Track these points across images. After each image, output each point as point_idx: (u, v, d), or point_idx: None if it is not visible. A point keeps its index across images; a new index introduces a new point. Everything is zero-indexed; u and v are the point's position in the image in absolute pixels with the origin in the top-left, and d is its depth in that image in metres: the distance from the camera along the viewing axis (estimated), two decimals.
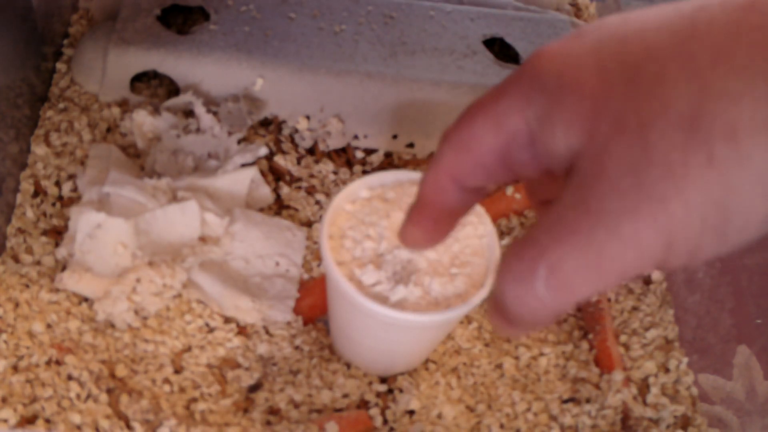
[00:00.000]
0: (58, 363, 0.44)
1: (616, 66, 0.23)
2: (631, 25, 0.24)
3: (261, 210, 0.53)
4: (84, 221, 0.46)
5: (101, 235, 0.46)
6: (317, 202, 0.54)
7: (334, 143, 0.57)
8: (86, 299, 0.47)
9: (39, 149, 0.53)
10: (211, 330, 0.47)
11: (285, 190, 0.54)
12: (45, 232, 0.50)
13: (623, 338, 0.51)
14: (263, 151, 0.54)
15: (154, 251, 0.48)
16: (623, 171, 0.22)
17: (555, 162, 0.25)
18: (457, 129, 0.28)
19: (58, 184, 0.52)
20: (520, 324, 0.26)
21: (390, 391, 0.47)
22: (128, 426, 0.42)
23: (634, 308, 0.52)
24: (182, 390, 0.45)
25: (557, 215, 0.24)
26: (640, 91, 0.22)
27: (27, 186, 0.52)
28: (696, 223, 0.22)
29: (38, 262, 0.48)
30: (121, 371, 0.44)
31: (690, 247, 0.22)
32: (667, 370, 0.49)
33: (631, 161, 0.22)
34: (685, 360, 0.50)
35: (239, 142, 0.55)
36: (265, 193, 0.53)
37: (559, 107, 0.24)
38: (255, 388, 0.46)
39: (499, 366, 0.49)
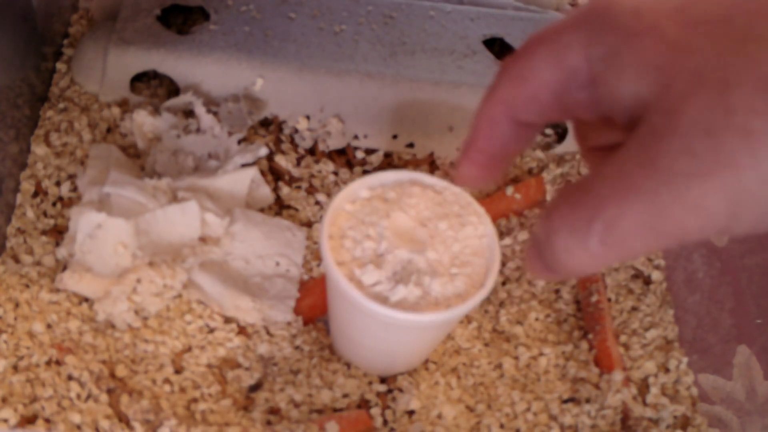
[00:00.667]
0: (59, 363, 0.44)
1: (701, 14, 0.22)
2: None
3: (261, 210, 0.53)
4: (84, 221, 0.46)
5: (102, 236, 0.46)
6: (317, 202, 0.54)
7: (334, 143, 0.57)
8: (86, 299, 0.47)
9: (39, 149, 0.53)
10: (211, 330, 0.47)
11: (285, 190, 0.54)
12: (45, 232, 0.50)
13: (623, 338, 0.51)
14: (263, 151, 0.54)
15: (155, 251, 0.48)
16: (699, 131, 0.21)
17: (616, 107, 0.24)
18: (516, 60, 0.26)
19: (58, 184, 0.52)
20: (560, 272, 0.25)
21: (390, 391, 0.47)
22: (128, 426, 0.42)
23: (634, 308, 0.52)
24: (182, 390, 0.45)
25: (620, 167, 0.23)
26: (725, 45, 0.21)
27: (27, 186, 0.52)
28: (766, 194, 0.21)
29: (38, 263, 0.48)
30: (121, 371, 0.44)
31: (755, 218, 0.22)
32: (667, 370, 0.50)
33: (708, 122, 0.21)
34: (685, 360, 0.50)
35: (239, 142, 0.55)
36: (266, 193, 0.53)
37: (632, 50, 0.23)
38: (255, 388, 0.46)
39: (499, 366, 0.49)
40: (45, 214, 0.51)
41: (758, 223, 0.22)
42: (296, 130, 0.57)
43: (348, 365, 0.47)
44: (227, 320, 0.48)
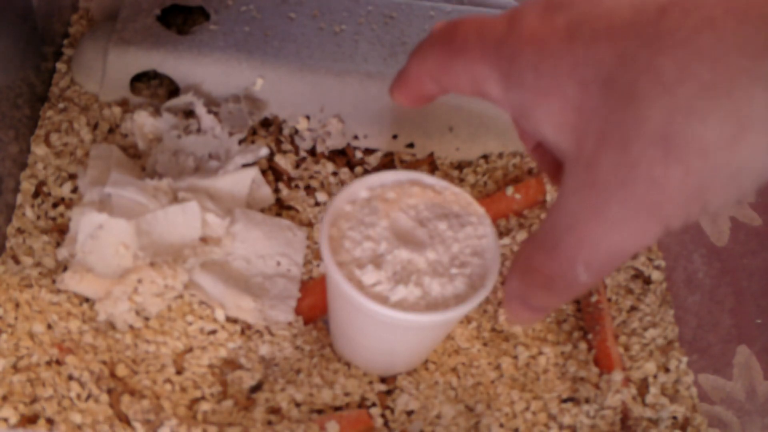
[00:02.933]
0: (59, 363, 0.44)
1: (591, 71, 0.25)
2: (602, 7, 0.26)
3: (262, 210, 0.53)
4: (85, 222, 0.46)
5: (103, 236, 0.46)
6: (317, 203, 0.54)
7: (334, 143, 0.57)
8: (87, 300, 0.47)
9: (39, 149, 0.53)
10: (212, 330, 0.47)
11: (285, 190, 0.54)
12: (45, 233, 0.50)
13: (623, 338, 0.51)
14: (264, 151, 0.54)
15: (156, 252, 0.48)
16: (616, 183, 0.25)
17: (541, 140, 0.29)
18: (445, 43, 0.31)
19: (58, 184, 0.52)
20: (557, 304, 0.30)
21: (390, 391, 0.47)
22: (129, 426, 0.42)
23: (634, 308, 0.52)
24: (183, 390, 0.45)
25: (572, 218, 0.27)
26: (616, 105, 0.25)
27: (27, 186, 0.52)
28: (684, 212, 0.25)
29: (38, 263, 0.48)
30: (121, 371, 0.44)
31: (682, 223, 0.26)
32: (666, 370, 0.50)
33: (620, 174, 0.25)
34: (685, 360, 0.50)
35: (240, 142, 0.55)
36: (266, 193, 0.53)
37: (543, 109, 0.27)
38: (256, 388, 0.46)
39: (498, 366, 0.49)
40: (45, 215, 0.51)
41: (686, 224, 0.26)
42: (296, 131, 0.57)
43: (348, 365, 0.47)
44: (229, 320, 0.48)
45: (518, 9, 0.28)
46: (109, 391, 0.43)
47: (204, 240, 0.49)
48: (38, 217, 0.51)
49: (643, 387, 0.49)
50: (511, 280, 0.31)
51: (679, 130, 0.23)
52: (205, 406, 0.44)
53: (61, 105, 0.56)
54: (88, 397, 0.43)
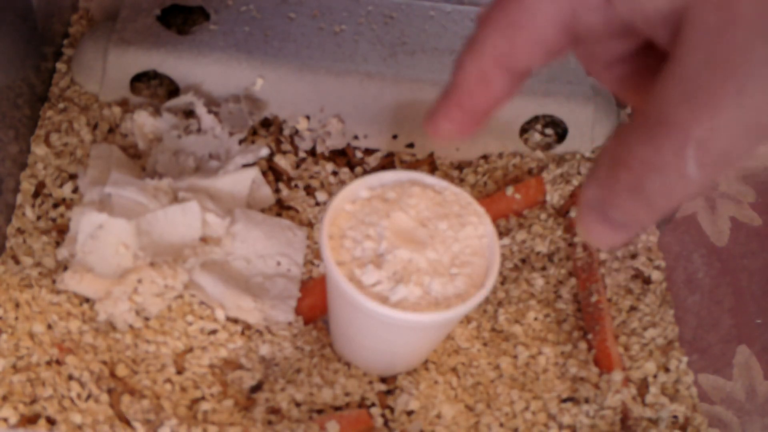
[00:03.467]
0: (59, 363, 0.44)
1: None
2: None
3: (262, 210, 0.53)
4: (85, 222, 0.46)
5: (103, 236, 0.46)
6: (317, 203, 0.54)
7: (334, 143, 0.57)
8: (87, 300, 0.47)
9: (39, 149, 0.53)
10: (213, 330, 0.47)
11: (285, 190, 0.54)
12: (45, 233, 0.50)
13: (623, 338, 0.51)
14: (264, 151, 0.54)
15: (156, 252, 0.48)
16: (764, 11, 0.19)
17: (645, 16, 0.22)
18: (501, 6, 0.24)
19: (58, 184, 0.52)
20: (659, 212, 0.23)
21: (390, 390, 0.47)
22: (129, 426, 0.42)
23: (634, 308, 0.52)
24: (184, 390, 0.45)
25: (686, 82, 0.20)
26: None
27: (27, 186, 0.52)
28: None
29: (38, 263, 0.48)
30: (122, 371, 0.44)
31: None
32: (667, 370, 0.50)
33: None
34: (685, 360, 0.50)
35: (240, 142, 0.55)
36: (266, 193, 0.53)
37: None
38: (256, 388, 0.46)
39: (498, 365, 0.49)
40: (45, 215, 0.51)
41: None
42: (296, 131, 0.57)
43: (348, 365, 0.47)
44: (229, 321, 0.48)
45: None
46: (110, 391, 0.43)
47: (204, 240, 0.49)
48: (38, 218, 0.51)
49: (643, 387, 0.49)
50: (590, 184, 0.23)
51: None
52: (205, 406, 0.44)
53: (61, 105, 0.56)
54: (89, 397, 0.43)
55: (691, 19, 0.20)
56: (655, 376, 0.49)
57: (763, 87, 0.19)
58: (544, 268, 0.54)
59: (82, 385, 0.43)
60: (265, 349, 0.47)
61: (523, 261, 0.54)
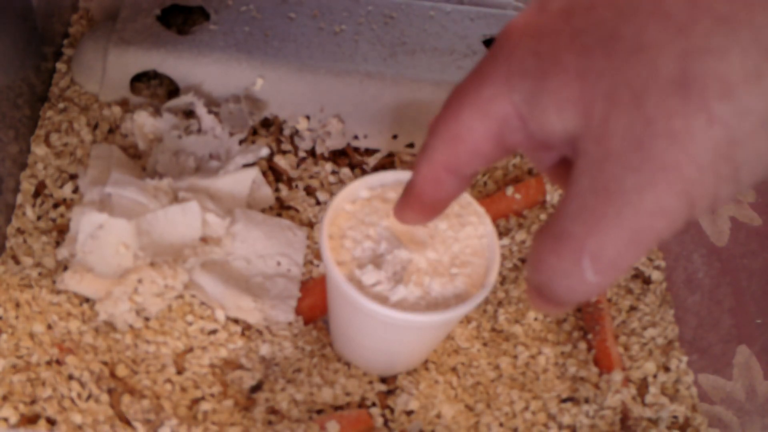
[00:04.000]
0: (59, 363, 0.44)
1: (591, 35, 0.23)
2: None
3: (262, 210, 0.53)
4: (86, 222, 0.46)
5: (103, 236, 0.46)
6: (318, 203, 0.54)
7: (334, 143, 0.57)
8: (87, 300, 0.47)
9: (39, 149, 0.53)
10: (213, 330, 0.47)
11: (285, 190, 0.54)
12: (45, 233, 0.50)
13: (622, 338, 0.51)
14: (265, 151, 0.54)
15: (156, 252, 0.48)
16: (630, 147, 0.22)
17: (553, 139, 0.25)
18: (445, 121, 0.28)
19: (59, 184, 0.52)
20: (568, 305, 0.27)
21: (390, 390, 0.47)
22: (129, 426, 0.42)
23: (634, 308, 0.52)
24: (184, 390, 0.45)
25: (580, 204, 0.24)
26: (623, 59, 0.22)
27: (27, 186, 0.52)
28: (710, 179, 0.22)
29: (38, 263, 0.48)
30: (122, 371, 0.44)
31: (710, 200, 0.23)
32: (667, 370, 0.50)
33: (635, 136, 0.22)
34: (685, 360, 0.50)
35: (240, 142, 0.55)
36: (267, 193, 0.53)
37: (546, 91, 0.24)
38: (256, 388, 0.46)
39: (498, 365, 0.49)
40: (45, 215, 0.51)
41: (715, 202, 0.23)
42: (296, 131, 0.57)
43: (348, 365, 0.47)
44: (229, 321, 0.48)
45: (508, 24, 0.26)
46: (110, 391, 0.43)
47: (204, 240, 0.49)
48: (38, 218, 0.51)
49: (642, 387, 0.49)
50: (526, 268, 0.28)
51: (696, 73, 0.21)
52: (205, 406, 0.44)
53: (61, 105, 0.56)
54: (89, 397, 0.43)
55: (581, 148, 0.24)
56: (655, 376, 0.49)
57: (635, 210, 0.23)
58: None
59: (83, 385, 0.43)
60: (265, 349, 0.47)
61: (523, 261, 0.54)
